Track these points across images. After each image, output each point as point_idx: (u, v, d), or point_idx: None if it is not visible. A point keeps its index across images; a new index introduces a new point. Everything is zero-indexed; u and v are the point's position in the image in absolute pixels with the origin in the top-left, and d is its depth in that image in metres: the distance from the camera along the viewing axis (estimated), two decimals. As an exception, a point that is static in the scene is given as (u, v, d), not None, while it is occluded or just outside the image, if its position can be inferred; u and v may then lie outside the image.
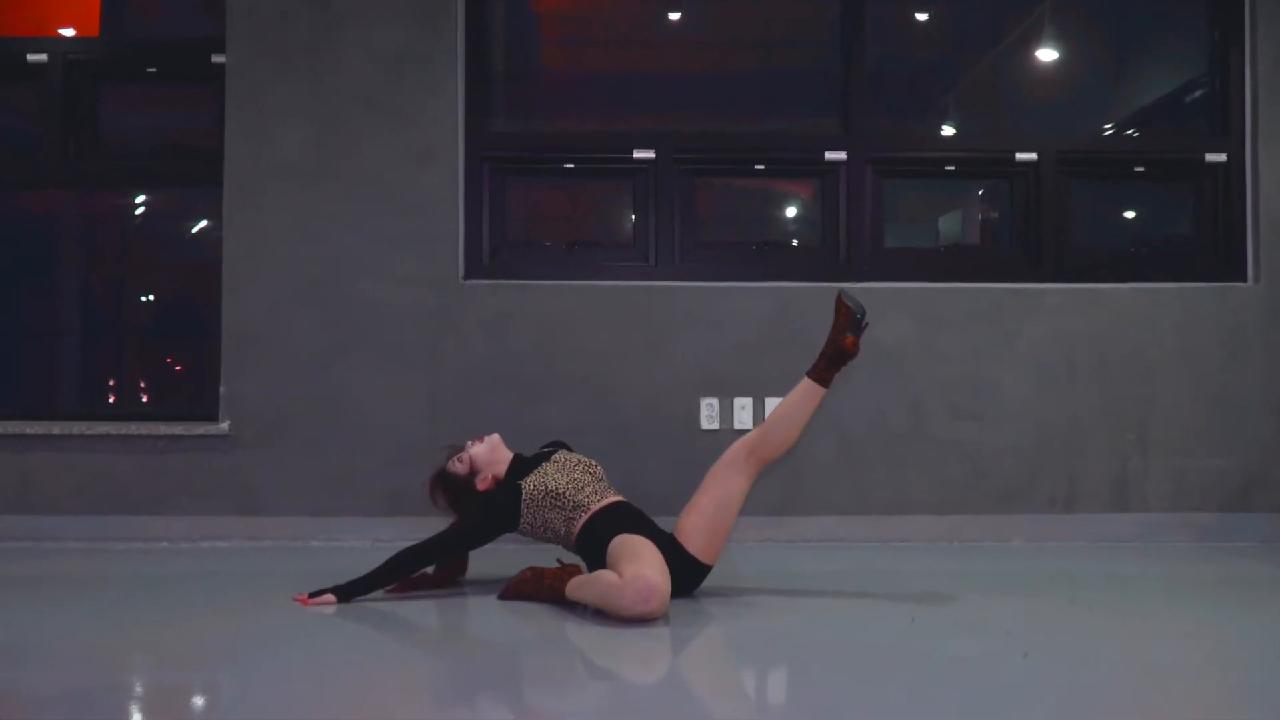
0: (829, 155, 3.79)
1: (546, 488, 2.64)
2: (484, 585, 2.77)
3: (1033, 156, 3.80)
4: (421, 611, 2.51)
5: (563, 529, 2.64)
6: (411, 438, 3.63)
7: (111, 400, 3.95)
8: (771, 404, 3.67)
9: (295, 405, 3.69)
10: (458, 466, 2.81)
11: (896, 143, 3.90)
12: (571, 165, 3.86)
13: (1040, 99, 4.14)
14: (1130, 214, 4.11)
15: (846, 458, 3.68)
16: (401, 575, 2.59)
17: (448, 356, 3.68)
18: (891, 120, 3.93)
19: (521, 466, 2.80)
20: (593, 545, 2.58)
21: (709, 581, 2.74)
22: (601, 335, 3.71)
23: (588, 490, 2.68)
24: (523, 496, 2.64)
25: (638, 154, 3.78)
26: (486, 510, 2.65)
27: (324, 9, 3.70)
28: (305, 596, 2.53)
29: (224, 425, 3.65)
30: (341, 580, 2.55)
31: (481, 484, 2.76)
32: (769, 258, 3.89)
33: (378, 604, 2.54)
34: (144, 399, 3.96)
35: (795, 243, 4.03)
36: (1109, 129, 4.03)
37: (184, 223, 4.17)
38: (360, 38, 3.70)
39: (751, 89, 4.05)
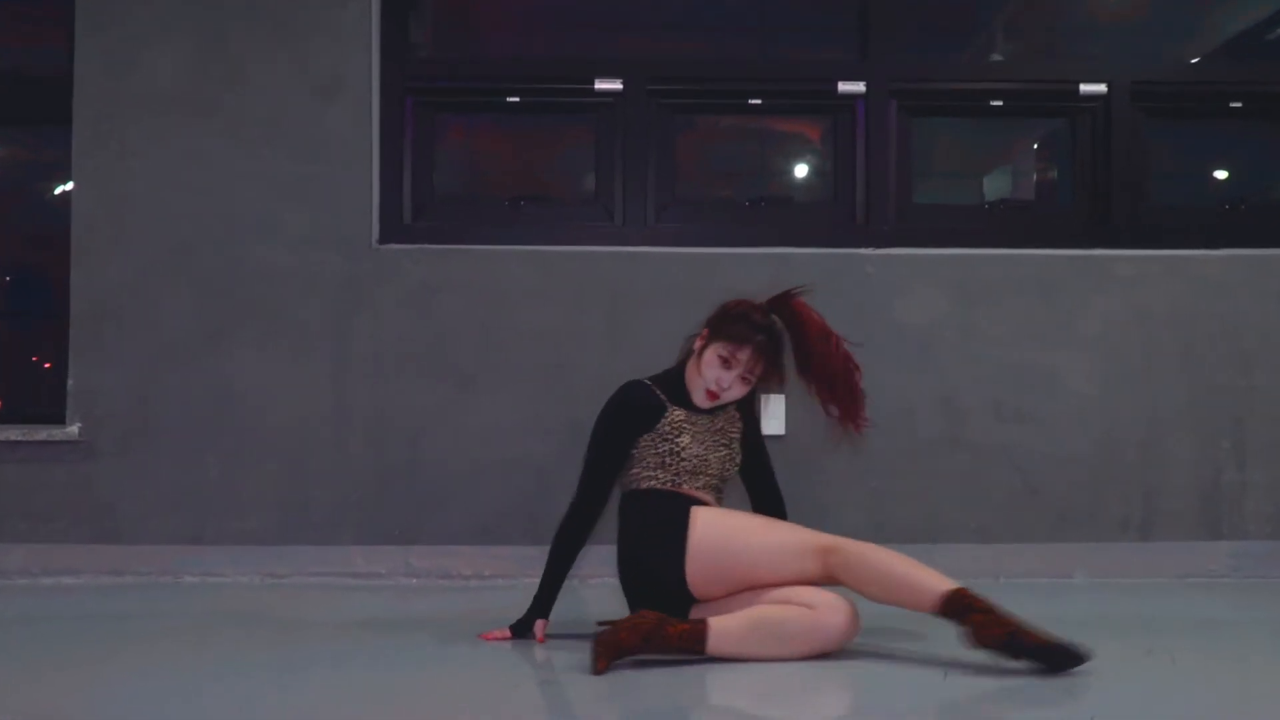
0: (843, 86, 3.38)
1: (680, 446, 2.49)
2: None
3: (1101, 88, 3.38)
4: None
5: (643, 476, 2.49)
6: (313, 442, 3.28)
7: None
8: (771, 405, 3.36)
9: (164, 402, 3.32)
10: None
11: (928, 71, 3.49)
12: (517, 99, 3.42)
13: (1109, 20, 3.85)
14: (1224, 164, 3.82)
15: (861, 471, 3.31)
16: (575, 551, 2.47)
17: (359, 338, 3.26)
18: (922, 44, 3.64)
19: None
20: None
21: None
22: (554, 312, 3.35)
23: (700, 480, 2.55)
24: (658, 422, 2.48)
25: (600, 84, 3.35)
26: None
27: None
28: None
29: (73, 429, 3.25)
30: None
31: (700, 374, 2.48)
32: (766, 217, 3.47)
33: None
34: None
35: (799, 198, 3.70)
36: (1189, 52, 3.74)
37: (23, 173, 3.83)
38: (247, -66, 3.41)
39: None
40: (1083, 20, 3.78)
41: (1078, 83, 3.47)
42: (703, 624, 2.23)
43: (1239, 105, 3.53)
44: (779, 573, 2.30)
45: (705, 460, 2.47)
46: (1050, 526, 3.33)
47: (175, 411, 3.32)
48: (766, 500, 2.69)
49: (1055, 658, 2.12)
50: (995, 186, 3.80)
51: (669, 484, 2.46)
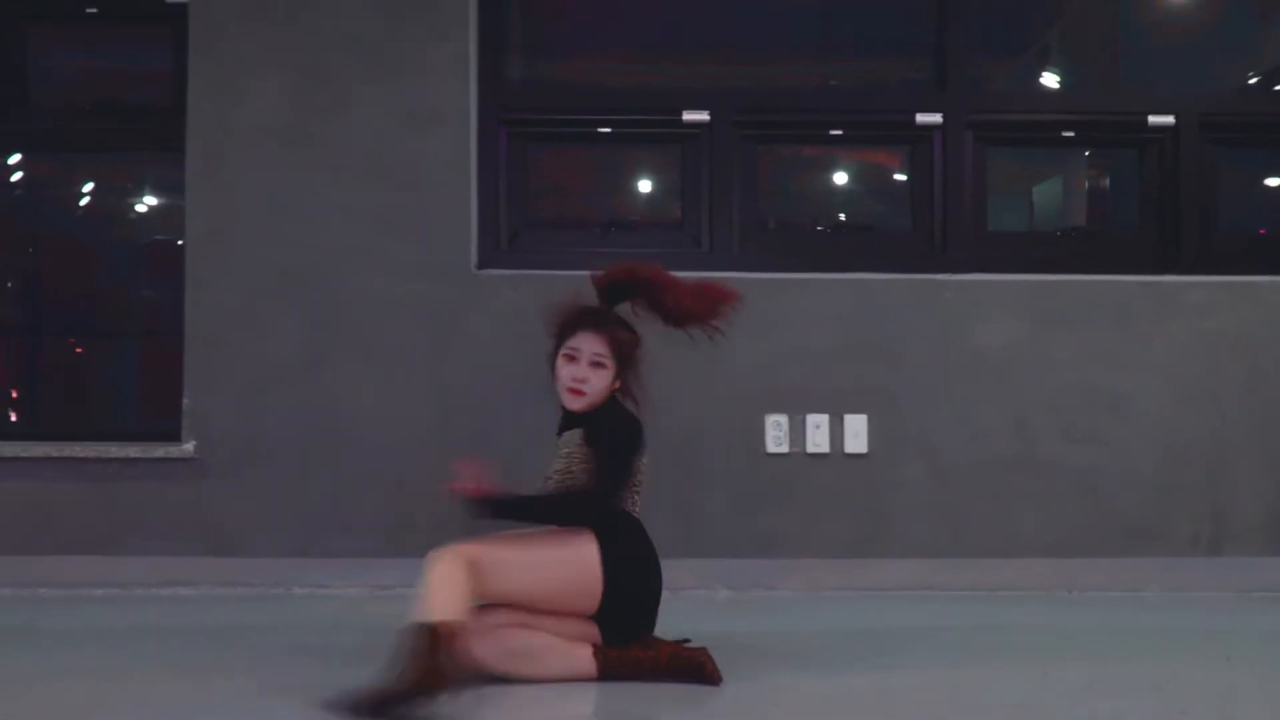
0: (921, 118, 3.70)
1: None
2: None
3: (1169, 120, 3.71)
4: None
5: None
6: (415, 461, 3.65)
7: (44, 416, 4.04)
8: (852, 422, 3.73)
9: (274, 422, 3.71)
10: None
11: (1002, 103, 3.81)
12: (608, 129, 3.77)
13: (1166, 42, 4.19)
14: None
15: (940, 488, 3.62)
16: (557, 517, 2.52)
17: (459, 361, 3.60)
18: (995, 75, 4.00)
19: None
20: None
21: (773, 636, 2.92)
22: (645, 334, 3.75)
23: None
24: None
25: (688, 116, 3.69)
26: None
27: None
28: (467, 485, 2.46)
29: (188, 446, 3.63)
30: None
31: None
32: (847, 243, 3.81)
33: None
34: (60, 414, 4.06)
35: (879, 225, 3.97)
36: (1253, 80, 4.10)
37: (135, 197, 4.23)
38: (349, -26, 3.74)
39: (821, 25, 4.10)
40: (1145, 44, 4.12)
41: (1146, 114, 3.80)
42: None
43: (1305, 135, 3.89)
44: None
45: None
46: (1121, 542, 3.66)
47: (283, 431, 3.68)
48: None
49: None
50: (1045, 205, 4.17)
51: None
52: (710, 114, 3.77)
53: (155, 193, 4.06)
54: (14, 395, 4.05)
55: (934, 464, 3.66)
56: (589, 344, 2.56)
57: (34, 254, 4.11)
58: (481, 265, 3.73)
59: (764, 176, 3.86)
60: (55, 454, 3.66)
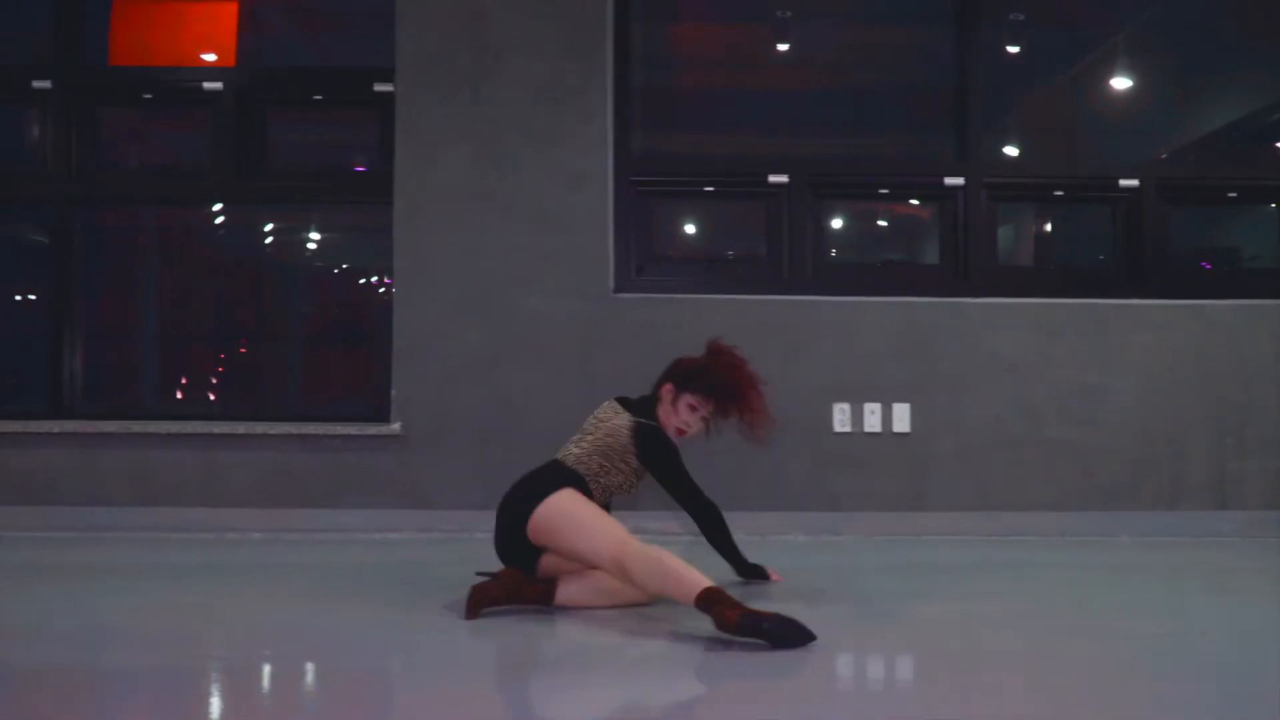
0: (948, 180, 4.91)
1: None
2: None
3: (1135, 183, 4.94)
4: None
5: (572, 456, 3.26)
6: (568, 436, 4.85)
7: (281, 402, 5.14)
8: (899, 409, 4.91)
9: (460, 407, 4.90)
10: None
11: (1009, 169, 5.02)
12: (711, 188, 4.99)
13: (1131, 125, 5.43)
14: (1227, 235, 5.39)
15: (966, 459, 4.73)
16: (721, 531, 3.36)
17: (599, 364, 4.73)
18: (1000, 140, 5.25)
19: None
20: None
21: (840, 569, 4.02)
22: (741, 344, 4.90)
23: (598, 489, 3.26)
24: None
25: (772, 178, 4.91)
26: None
27: (484, 43, 4.79)
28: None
29: (395, 426, 4.83)
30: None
31: (672, 417, 3.28)
32: (894, 274, 4.97)
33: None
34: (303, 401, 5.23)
35: (917, 261, 5.14)
36: (1189, 151, 5.36)
37: (347, 238, 5.48)
38: (518, 69, 4.79)
39: (869, 109, 5.36)
40: (1116, 127, 5.38)
41: (1117, 178, 5.03)
42: (552, 584, 3.05)
43: (1234, 195, 5.12)
44: (591, 554, 2.96)
45: (622, 487, 3.29)
46: (1102, 500, 4.82)
47: (468, 414, 4.85)
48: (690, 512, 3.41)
49: (783, 635, 2.62)
50: (1057, 252, 5.39)
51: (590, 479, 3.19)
52: (789, 177, 4.96)
53: (367, 237, 5.26)
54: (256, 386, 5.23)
55: (961, 440, 4.82)
56: (709, 411, 3.31)
57: (259, 283, 5.32)
58: (617, 290, 4.91)
59: (829, 224, 5.07)
60: (295, 431, 4.81)
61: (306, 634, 2.93)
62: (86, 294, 5.13)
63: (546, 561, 3.13)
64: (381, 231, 4.96)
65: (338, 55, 5.29)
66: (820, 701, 2.34)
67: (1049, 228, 5.39)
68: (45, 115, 5.03)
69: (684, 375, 3.30)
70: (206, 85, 5.02)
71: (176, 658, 2.70)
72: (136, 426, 4.82)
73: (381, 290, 5.15)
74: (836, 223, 5.16)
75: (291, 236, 5.38)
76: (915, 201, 5.21)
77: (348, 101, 5.12)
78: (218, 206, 5.24)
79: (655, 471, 3.27)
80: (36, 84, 4.98)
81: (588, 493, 3.16)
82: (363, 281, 5.30)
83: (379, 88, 4.99)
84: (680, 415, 3.27)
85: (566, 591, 3.09)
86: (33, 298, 5.20)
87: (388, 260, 4.91)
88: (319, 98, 5.10)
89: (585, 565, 3.05)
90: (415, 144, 4.88)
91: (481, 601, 2.98)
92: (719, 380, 3.27)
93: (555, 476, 3.15)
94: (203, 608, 3.27)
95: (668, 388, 3.32)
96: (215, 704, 2.35)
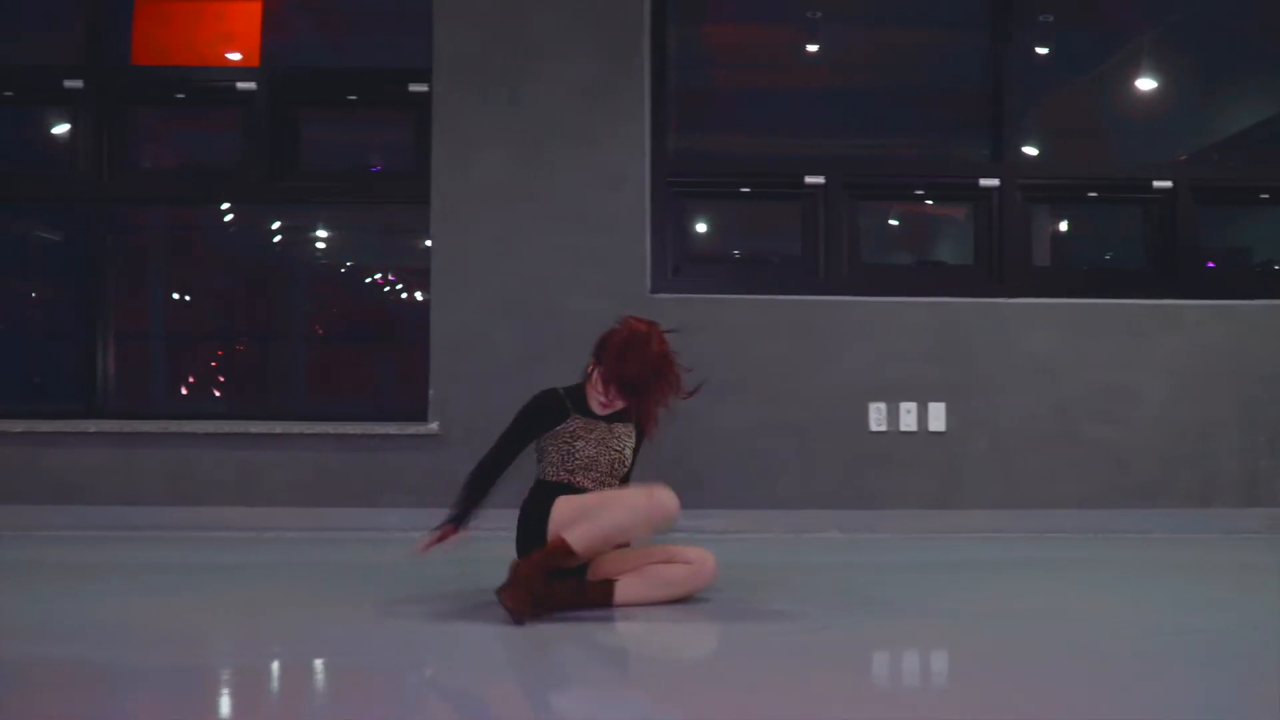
0: (983, 182, 4.94)
1: (575, 449, 3.22)
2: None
3: (1168, 184, 5.02)
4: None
5: (547, 470, 3.27)
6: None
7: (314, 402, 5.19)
8: (934, 408, 4.95)
9: (497, 407, 4.84)
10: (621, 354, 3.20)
11: (1044, 171, 5.06)
12: (747, 189, 5.01)
13: (1145, 121, 5.48)
14: (1258, 237, 5.46)
15: (1000, 457, 4.79)
16: (481, 490, 3.30)
17: None
18: (1034, 142, 5.30)
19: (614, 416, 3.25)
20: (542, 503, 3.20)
21: (874, 566, 4.06)
22: (778, 345, 4.96)
23: (592, 475, 3.23)
24: (558, 426, 3.25)
25: (808, 179, 4.93)
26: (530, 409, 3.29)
27: (521, 44, 4.81)
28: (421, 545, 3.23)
29: (433, 425, 4.84)
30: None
31: (593, 391, 3.24)
32: (929, 275, 5.02)
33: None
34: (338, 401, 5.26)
35: (952, 261, 5.18)
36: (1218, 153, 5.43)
37: (380, 238, 5.49)
38: (555, 70, 4.81)
39: (903, 110, 5.40)
40: (1152, 128, 5.45)
41: (1150, 179, 5.10)
42: (610, 585, 3.09)
43: (1266, 196, 5.19)
44: (626, 522, 3.03)
45: (595, 459, 3.21)
46: (1135, 497, 4.88)
47: (504, 414, 4.79)
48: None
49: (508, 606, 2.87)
50: (1091, 253, 5.45)
51: (564, 477, 3.21)
52: (825, 178, 5.00)
53: (401, 237, 5.28)
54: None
55: (996, 439, 4.88)
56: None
57: (291, 283, 5.33)
58: (654, 290, 4.94)
59: (864, 224, 5.11)
60: (333, 431, 4.83)
61: (351, 635, 2.95)
62: (118, 293, 5.13)
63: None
64: (410, 231, 4.97)
65: (360, 56, 5.34)
66: (881, 701, 2.39)
67: (1082, 228, 5.44)
68: (77, 115, 5.02)
69: (595, 348, 3.34)
70: (240, 85, 5.01)
71: (215, 657, 2.76)
72: (173, 426, 4.83)
73: (398, 288, 5.16)
74: (871, 223, 5.19)
75: (323, 236, 5.38)
76: (947, 202, 5.25)
77: (382, 102, 5.13)
78: (249, 206, 5.24)
79: None
80: (68, 84, 4.95)
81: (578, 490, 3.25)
82: (398, 282, 5.30)
83: (414, 88, 4.98)
84: (597, 388, 3.25)
85: (625, 590, 3.15)
86: (65, 297, 5.20)
87: (421, 260, 4.92)
88: (353, 98, 5.09)
89: (625, 539, 3.14)
90: (452, 145, 4.90)
91: (545, 605, 3.02)
92: (608, 352, 3.25)
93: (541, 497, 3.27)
94: (247, 605, 3.31)
95: (591, 362, 3.33)
96: (263, 704, 2.38)
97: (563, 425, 3.26)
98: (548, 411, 3.30)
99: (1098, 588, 3.69)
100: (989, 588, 3.67)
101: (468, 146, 4.91)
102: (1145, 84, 5.38)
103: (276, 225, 5.33)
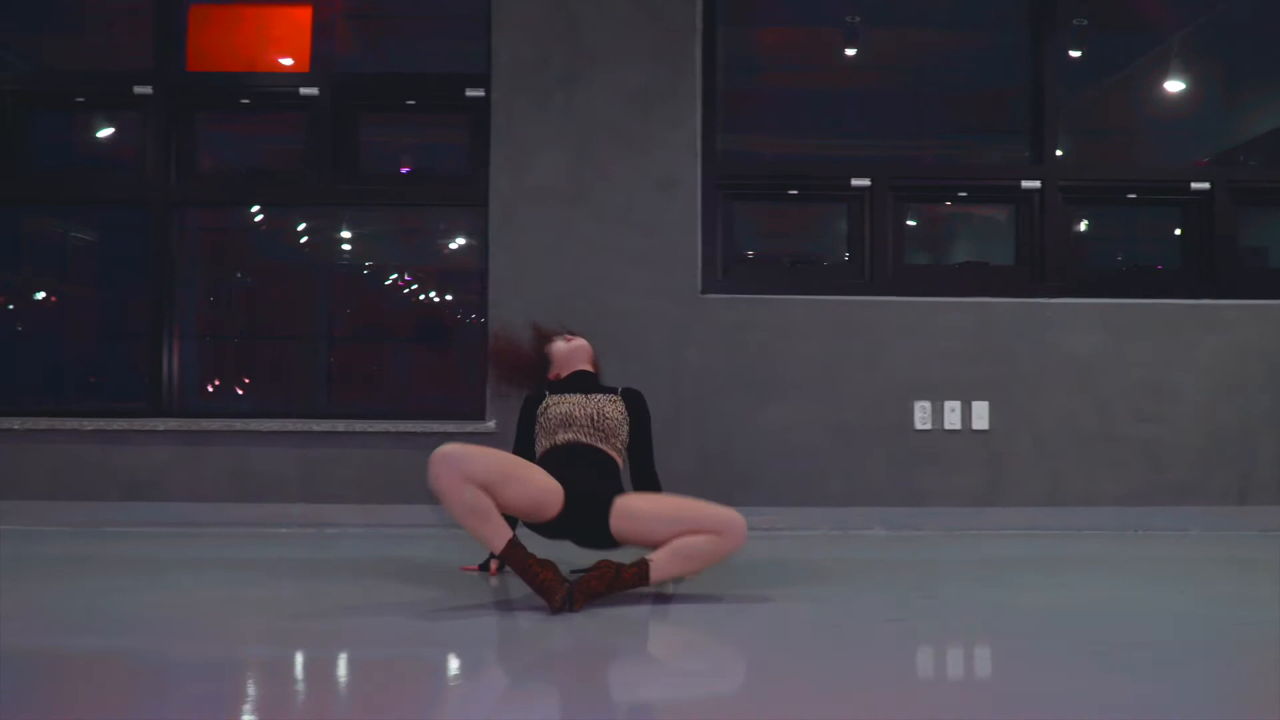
0: (1025, 184, 5.10)
1: (550, 415, 3.55)
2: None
3: (1206, 185, 5.16)
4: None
5: (540, 445, 3.55)
6: (658, 432, 5.03)
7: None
8: (977, 407, 5.09)
9: (553, 405, 5.08)
10: (549, 344, 3.83)
11: (1085, 172, 5.16)
12: (795, 191, 5.15)
13: (1186, 122, 5.61)
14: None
15: (1042, 455, 4.92)
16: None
17: (688, 361, 4.90)
18: (1075, 144, 5.42)
19: (576, 382, 3.68)
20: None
21: (920, 563, 4.20)
22: (825, 344, 5.10)
23: (572, 430, 3.50)
24: (538, 408, 3.62)
25: (854, 182, 5.09)
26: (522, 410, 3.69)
27: (577, 50, 4.96)
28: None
29: (491, 424, 5.02)
30: None
31: (551, 375, 3.79)
32: (972, 275, 5.13)
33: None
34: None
35: (994, 262, 5.27)
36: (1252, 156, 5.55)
37: (434, 240, 5.64)
38: (609, 76, 4.96)
39: (952, 115, 5.55)
40: (1190, 129, 5.57)
41: (1189, 181, 5.22)
42: (645, 563, 3.20)
43: (1306, 198, 5.32)
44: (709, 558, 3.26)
45: (572, 414, 3.51)
46: (1173, 495, 5.02)
47: (560, 412, 5.03)
48: (638, 477, 3.69)
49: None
50: (1130, 253, 5.57)
51: (547, 444, 3.50)
52: (871, 180, 5.13)
53: (459, 237, 5.42)
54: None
55: (1038, 438, 5.02)
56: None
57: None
58: (704, 290, 5.08)
59: (909, 225, 5.24)
60: (393, 429, 4.98)
61: (419, 627, 3.05)
62: (185, 293, 5.28)
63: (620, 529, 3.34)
64: (465, 233, 5.10)
65: (401, 60, 5.45)
66: (943, 695, 2.52)
67: (1120, 229, 5.56)
68: (145, 120, 5.16)
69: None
70: (303, 91, 5.14)
71: (288, 650, 2.86)
72: (238, 424, 4.98)
73: (454, 289, 5.30)
74: (915, 224, 5.32)
75: (378, 238, 5.53)
76: (989, 204, 5.38)
77: (439, 107, 5.26)
78: (309, 208, 5.38)
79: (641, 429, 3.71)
80: (138, 89, 5.09)
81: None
82: (452, 283, 5.44)
83: (470, 93, 5.11)
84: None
85: (659, 568, 3.24)
86: (131, 299, 5.35)
87: (473, 261, 5.07)
88: (411, 103, 5.22)
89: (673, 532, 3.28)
90: (510, 149, 5.04)
91: (584, 595, 3.13)
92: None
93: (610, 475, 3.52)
94: (307, 598, 3.45)
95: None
96: (343, 695, 2.47)
97: (542, 404, 3.66)
98: (531, 401, 3.74)
99: (1144, 583, 3.82)
100: (1038, 583, 3.80)
101: (524, 150, 5.04)
102: (1174, 85, 5.49)
103: (334, 227, 5.47)
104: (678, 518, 3.26)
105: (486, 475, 3.09)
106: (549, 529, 3.36)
